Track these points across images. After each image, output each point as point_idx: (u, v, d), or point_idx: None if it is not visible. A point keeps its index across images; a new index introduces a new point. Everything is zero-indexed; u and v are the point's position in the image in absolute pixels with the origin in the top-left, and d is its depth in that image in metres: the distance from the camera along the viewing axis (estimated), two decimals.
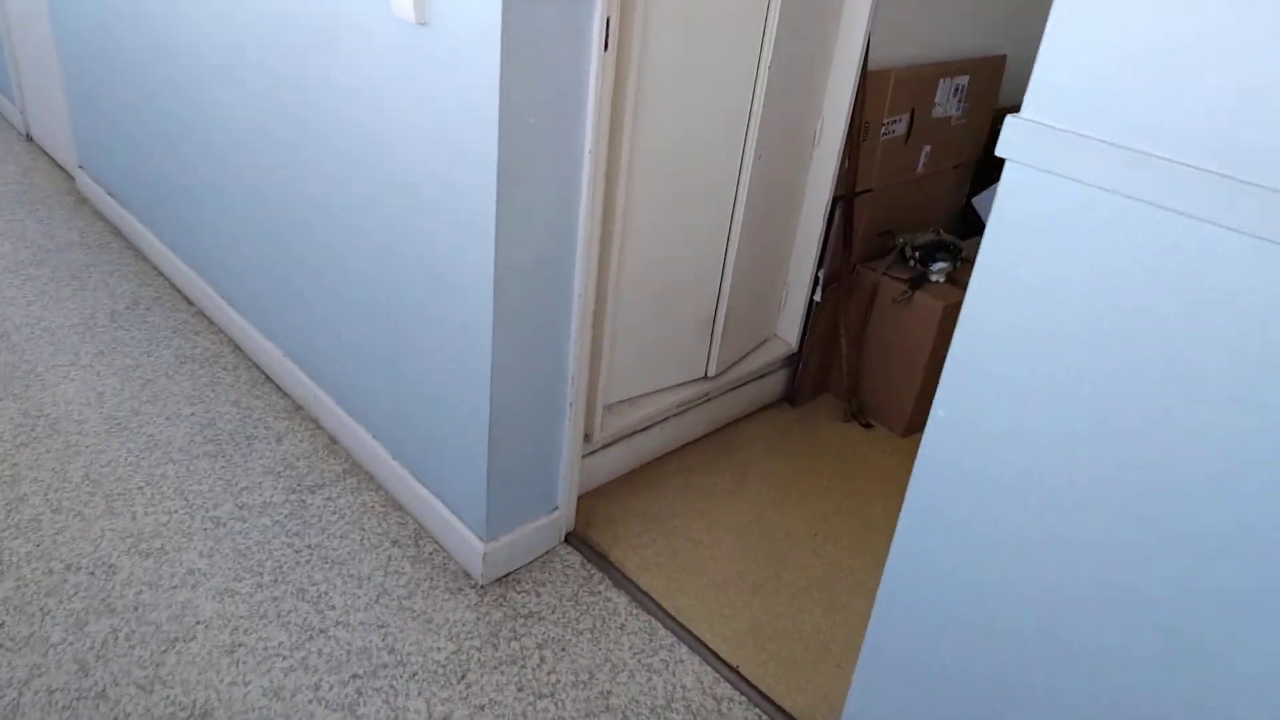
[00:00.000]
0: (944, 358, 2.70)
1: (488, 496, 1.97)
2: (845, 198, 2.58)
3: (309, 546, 2.13)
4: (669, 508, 2.34)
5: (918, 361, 2.64)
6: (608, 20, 1.64)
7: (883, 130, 2.58)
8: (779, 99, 2.22)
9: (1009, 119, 0.97)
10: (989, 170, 3.05)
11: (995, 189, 3.03)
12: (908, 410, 2.70)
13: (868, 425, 2.77)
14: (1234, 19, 0.80)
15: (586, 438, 2.23)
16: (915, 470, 1.19)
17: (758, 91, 2.15)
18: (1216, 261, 0.85)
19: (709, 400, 2.56)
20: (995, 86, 2.90)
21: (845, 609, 2.10)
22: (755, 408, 2.78)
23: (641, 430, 2.40)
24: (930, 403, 2.79)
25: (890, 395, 2.73)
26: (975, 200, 2.98)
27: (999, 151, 0.97)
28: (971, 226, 3.03)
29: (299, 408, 2.58)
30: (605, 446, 2.32)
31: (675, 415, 2.48)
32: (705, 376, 2.53)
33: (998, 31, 2.90)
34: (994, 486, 1.08)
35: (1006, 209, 1.00)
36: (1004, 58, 2.89)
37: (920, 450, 1.15)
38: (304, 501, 2.26)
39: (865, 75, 2.40)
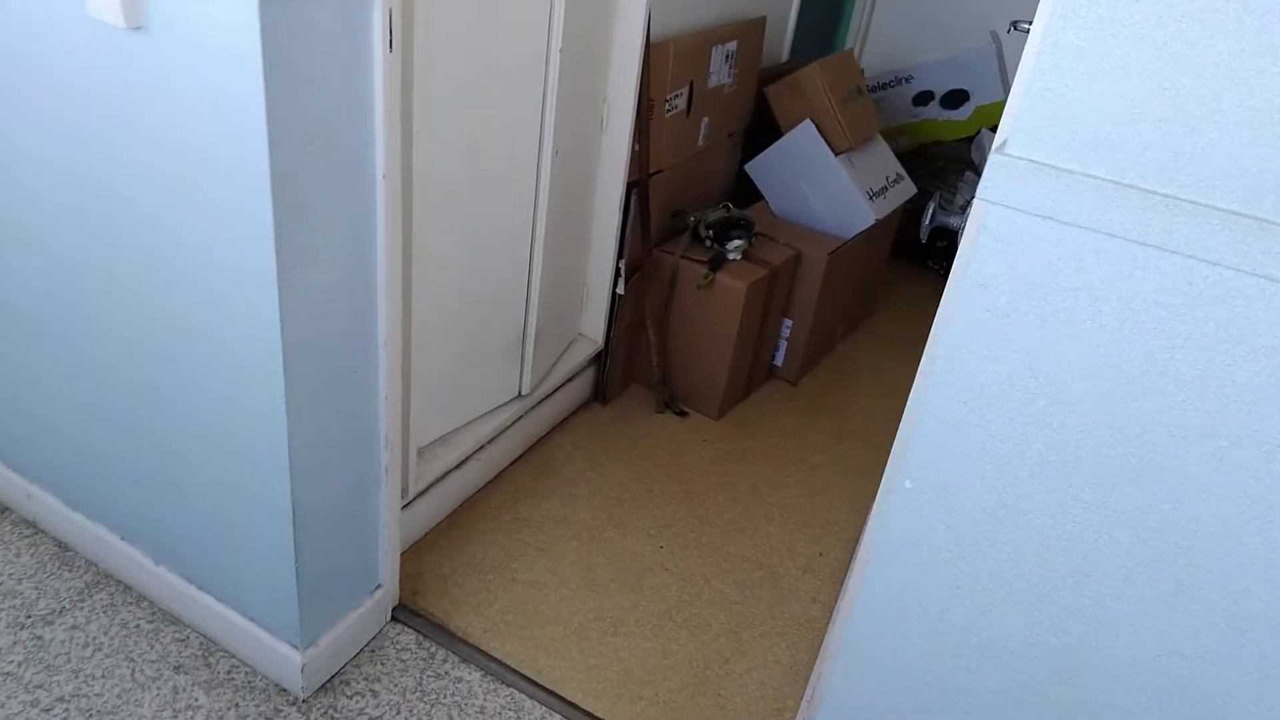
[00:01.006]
0: (751, 337, 2.69)
1: (299, 596, 1.60)
2: (639, 182, 2.38)
3: (61, 700, 1.63)
4: (503, 551, 2.07)
5: (725, 344, 2.53)
6: (390, 15, 1.29)
7: (666, 107, 2.39)
8: (570, 86, 1.96)
9: (993, 158, 0.80)
10: (759, 136, 2.97)
11: (770, 154, 2.98)
12: (719, 393, 2.60)
13: (682, 413, 2.64)
14: (1267, 44, 0.67)
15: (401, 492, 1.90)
16: (871, 549, 1.03)
17: (550, 81, 1.87)
18: (1249, 313, 0.74)
19: (523, 418, 2.30)
20: (759, 50, 2.81)
21: (708, 628, 1.96)
22: (567, 413, 2.55)
23: (458, 467, 2.09)
24: (741, 383, 2.77)
25: (701, 380, 2.62)
26: (749, 166, 2.90)
27: (980, 195, 0.81)
28: (749, 193, 2.95)
29: (5, 510, 2.00)
30: (422, 494, 2.00)
31: (491, 442, 2.19)
32: (519, 395, 2.26)
33: None
34: (972, 574, 0.94)
35: (988, 260, 0.84)
36: (764, 19, 2.79)
37: (875, 527, 1.00)
38: (40, 638, 1.74)
39: (649, 50, 2.19)
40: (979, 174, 3.47)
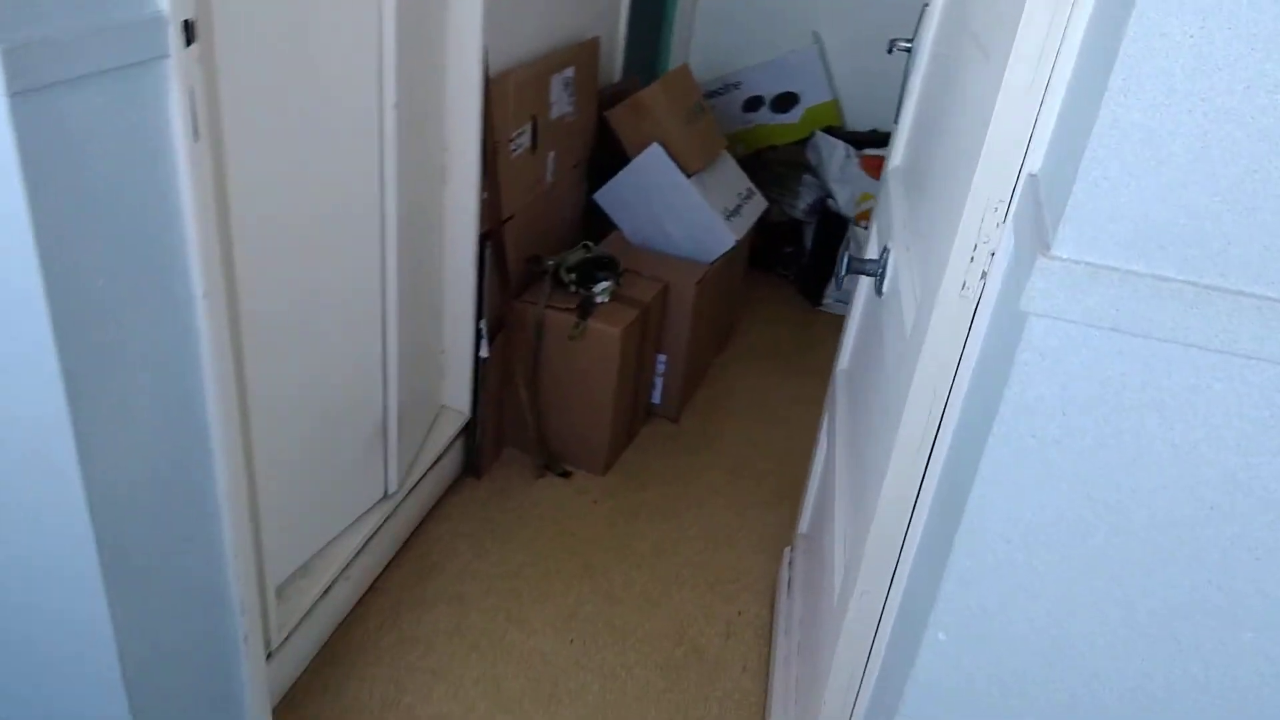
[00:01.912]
0: (629, 381, 2.47)
1: None
2: (492, 232, 2.13)
3: None
4: (392, 684, 1.78)
5: (604, 394, 2.33)
6: (193, 96, 1.00)
7: (511, 146, 2.15)
8: (409, 142, 1.69)
9: (1040, 263, 0.64)
10: (604, 163, 2.78)
11: (619, 181, 2.79)
12: (603, 447, 2.40)
13: (565, 474, 2.41)
14: None
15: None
16: (900, 699, 0.86)
17: (386, 140, 1.59)
18: None
19: (392, 516, 2.01)
20: (595, 73, 2.61)
21: None
22: (438, 497, 2.26)
23: (325, 594, 1.78)
24: (623, 431, 2.55)
25: (582, 435, 2.40)
26: (598, 196, 2.70)
27: (1023, 305, 0.65)
28: (600, 224, 2.76)
29: None
30: (288, 638, 1.68)
31: (359, 554, 1.89)
32: (386, 495, 1.97)
33: (585, 11, 2.59)
34: None
35: (1034, 380, 0.68)
36: (598, 40, 2.60)
37: (904, 678, 0.83)
38: None
39: (489, 88, 1.94)
40: (817, 176, 3.45)
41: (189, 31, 0.96)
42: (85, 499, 1.00)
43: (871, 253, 1.63)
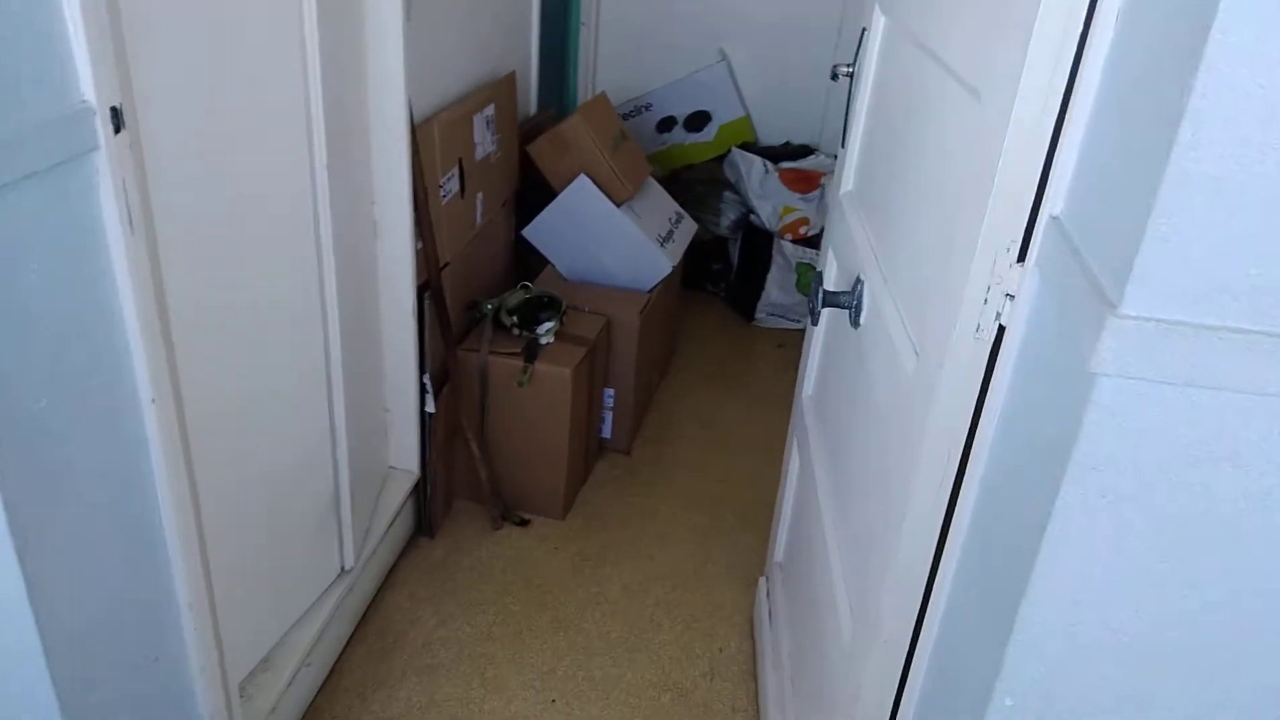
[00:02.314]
0: (581, 421, 2.38)
1: None
2: (430, 283, 2.03)
3: None
4: None
5: (558, 437, 2.25)
6: (125, 186, 0.89)
7: (441, 192, 2.06)
8: (342, 201, 1.58)
9: (1111, 322, 0.61)
10: (530, 198, 2.71)
11: (547, 216, 2.71)
12: (560, 491, 2.32)
13: (523, 522, 2.32)
14: None
15: None
16: None
17: (321, 206, 1.48)
18: None
19: (350, 592, 1.88)
20: (514, 108, 2.54)
21: None
22: (393, 562, 2.15)
23: (288, 686, 1.65)
24: (579, 472, 2.46)
25: (537, 481, 2.31)
26: (527, 232, 2.62)
27: (1093, 367, 0.62)
28: (533, 261, 2.68)
29: None
30: None
31: (320, 638, 1.76)
32: (343, 571, 1.84)
33: (499, 46, 2.52)
34: None
35: (1104, 440, 0.65)
36: (514, 74, 2.53)
37: None
38: None
39: (414, 136, 1.85)
40: (737, 192, 3.44)
41: (117, 118, 0.86)
42: (40, 643, 0.88)
43: (830, 278, 1.60)
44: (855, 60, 1.55)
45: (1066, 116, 0.77)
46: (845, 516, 1.33)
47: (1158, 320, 0.60)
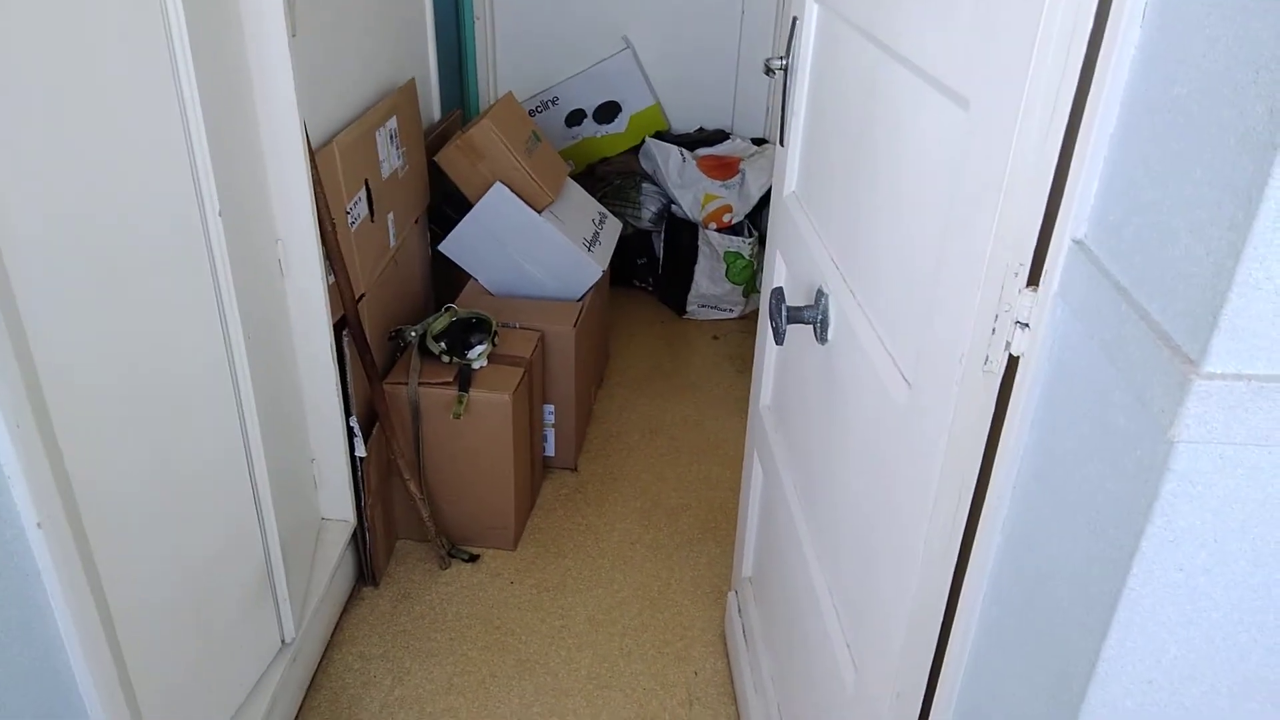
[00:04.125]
0: (524, 445, 2.20)
1: None
2: (346, 318, 1.85)
3: None
4: None
5: (502, 466, 2.11)
6: None
7: (349, 219, 1.88)
8: (240, 246, 1.40)
9: (1197, 386, 0.51)
10: (443, 212, 2.54)
11: (463, 229, 2.53)
12: (510, 521, 2.18)
13: (473, 558, 2.18)
14: None
15: None
16: None
17: (218, 254, 1.30)
18: None
19: (295, 662, 1.72)
20: (418, 117, 2.36)
21: None
22: (336, 621, 1.98)
23: None
24: (527, 498, 2.29)
25: (484, 513, 2.17)
26: (443, 247, 2.45)
27: (1174, 435, 0.52)
28: (454, 278, 2.51)
29: None
30: None
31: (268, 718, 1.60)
32: (284, 644, 1.67)
33: (394, 53, 2.33)
34: None
35: (1182, 511, 0.56)
36: (414, 81, 2.34)
37: None
38: None
39: (314, 162, 1.67)
40: (656, 183, 3.32)
41: None
42: None
43: (783, 283, 1.50)
44: (788, 52, 1.44)
45: (1081, 129, 0.67)
46: (831, 550, 1.23)
47: (1248, 378, 0.51)
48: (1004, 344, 0.78)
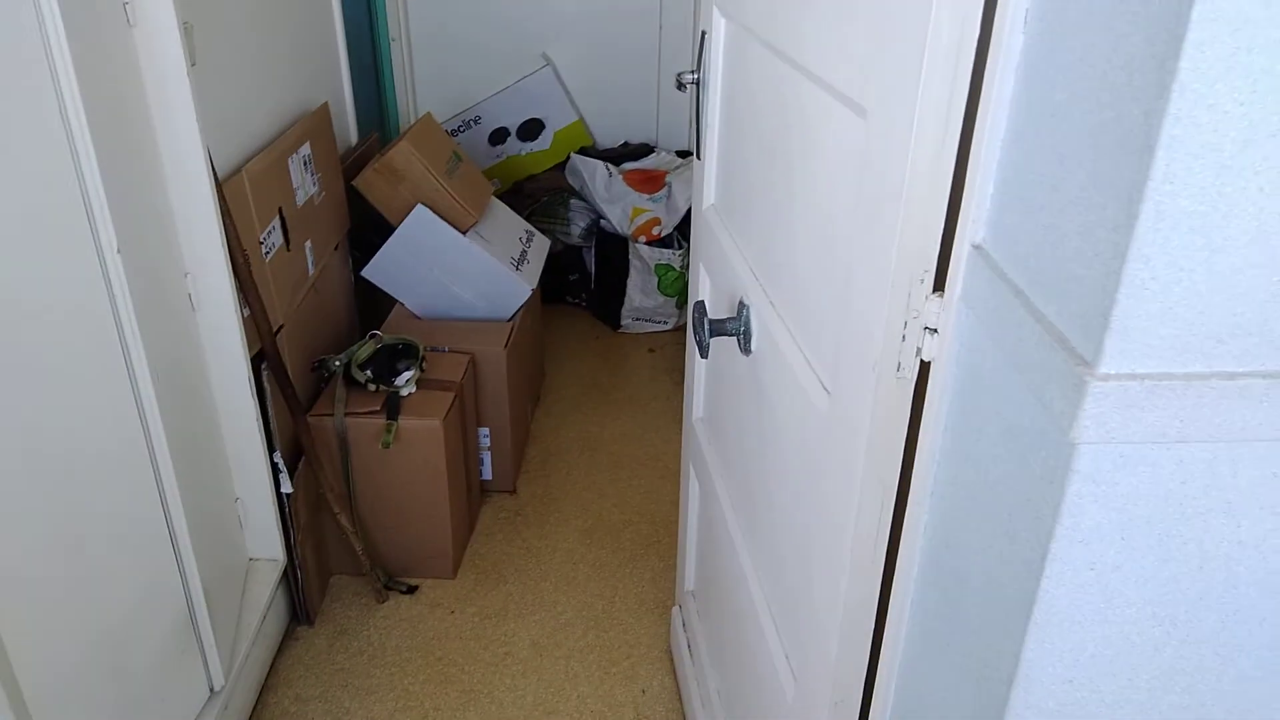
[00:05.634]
0: (459, 470, 2.15)
1: None
2: (264, 351, 1.80)
3: None
4: None
5: (437, 493, 2.06)
6: None
7: (263, 249, 1.83)
8: (143, 285, 1.34)
9: (1094, 387, 0.51)
10: (364, 237, 2.49)
11: (386, 253, 2.48)
12: (448, 549, 2.13)
13: (410, 589, 2.12)
14: None
15: None
16: None
17: (119, 295, 1.24)
18: None
19: (225, 710, 1.65)
20: (332, 142, 2.31)
21: None
22: (270, 663, 1.91)
23: None
24: (464, 524, 2.24)
25: (421, 542, 2.12)
26: (366, 272, 2.40)
27: (1074, 437, 0.52)
28: (379, 304, 2.46)
29: None
30: None
31: None
32: (213, 692, 1.60)
33: (304, 76, 2.28)
34: None
35: (1088, 511, 0.56)
36: (326, 105, 2.29)
37: None
38: None
39: (222, 194, 1.62)
40: (584, 199, 3.31)
41: None
42: None
43: (706, 297, 1.50)
44: (699, 66, 1.44)
45: (974, 135, 0.68)
46: (767, 561, 1.23)
47: (1142, 377, 0.51)
48: (915, 350, 0.78)
